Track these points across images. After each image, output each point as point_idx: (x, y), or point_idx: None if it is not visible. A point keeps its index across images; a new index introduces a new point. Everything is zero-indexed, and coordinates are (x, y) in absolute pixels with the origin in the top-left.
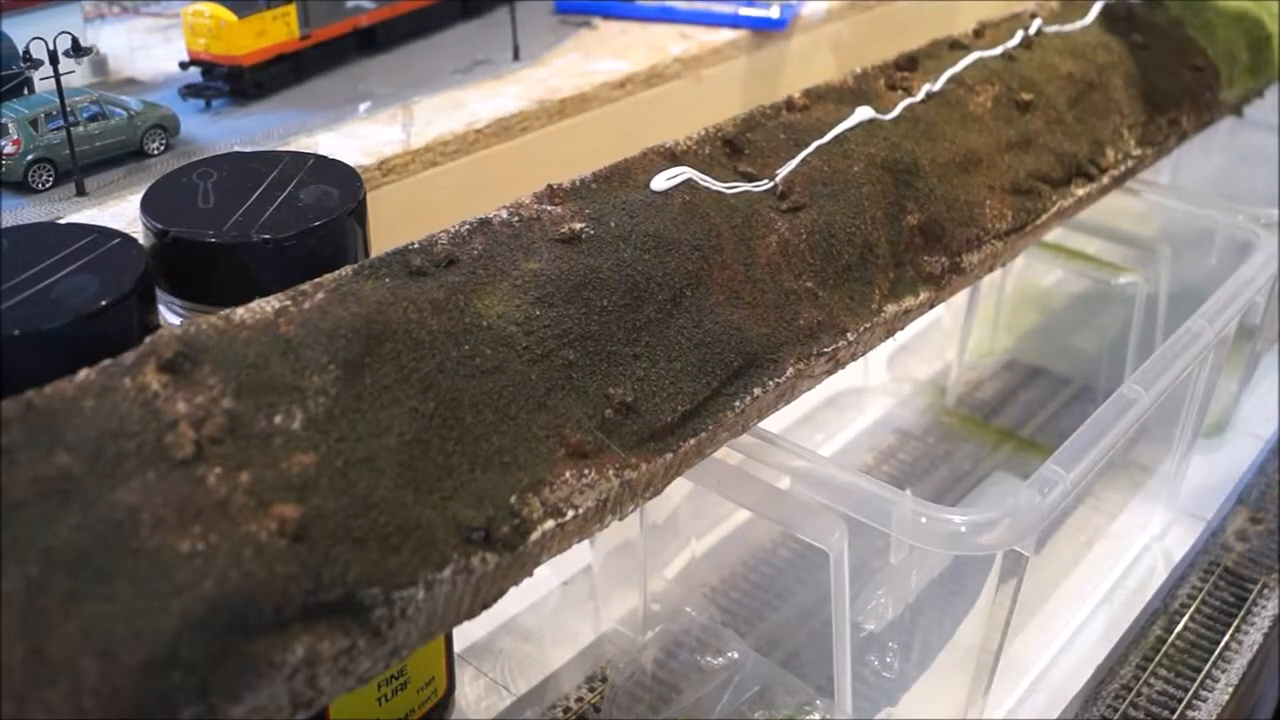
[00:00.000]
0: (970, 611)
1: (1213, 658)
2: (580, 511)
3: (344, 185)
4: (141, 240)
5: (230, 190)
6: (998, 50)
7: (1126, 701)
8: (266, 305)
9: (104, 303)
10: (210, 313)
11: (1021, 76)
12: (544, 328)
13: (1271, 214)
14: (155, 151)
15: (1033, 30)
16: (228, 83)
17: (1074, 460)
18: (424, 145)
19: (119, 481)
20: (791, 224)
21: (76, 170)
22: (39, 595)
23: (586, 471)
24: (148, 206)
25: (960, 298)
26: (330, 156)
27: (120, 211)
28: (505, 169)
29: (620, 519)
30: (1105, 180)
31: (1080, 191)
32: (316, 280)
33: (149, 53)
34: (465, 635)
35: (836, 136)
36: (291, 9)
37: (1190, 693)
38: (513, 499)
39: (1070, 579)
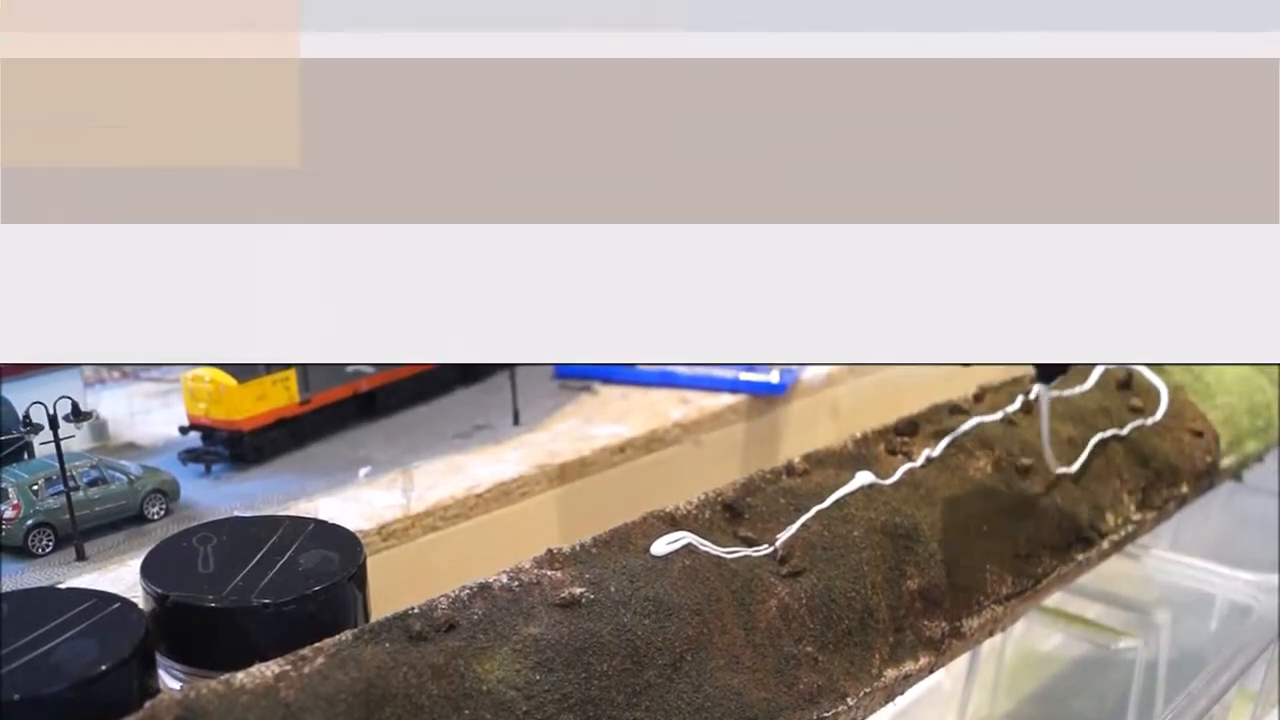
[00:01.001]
0: None
1: None
2: None
3: (344, 550)
4: (141, 604)
5: (230, 555)
6: (998, 415)
7: None
8: (267, 670)
9: (103, 668)
10: (210, 677)
11: (1022, 441)
12: (544, 692)
13: (1271, 580)
14: (155, 516)
15: (1033, 395)
16: (228, 447)
17: None
18: (424, 510)
19: None
20: (791, 588)
21: (77, 535)
22: None
23: None
24: (148, 571)
25: (960, 662)
26: (330, 521)
27: (120, 576)
28: (505, 533)
29: None
30: (1105, 545)
31: (1080, 557)
32: (317, 645)
33: (149, 417)
34: None
35: (836, 501)
36: (292, 374)
37: None
38: None
39: None
